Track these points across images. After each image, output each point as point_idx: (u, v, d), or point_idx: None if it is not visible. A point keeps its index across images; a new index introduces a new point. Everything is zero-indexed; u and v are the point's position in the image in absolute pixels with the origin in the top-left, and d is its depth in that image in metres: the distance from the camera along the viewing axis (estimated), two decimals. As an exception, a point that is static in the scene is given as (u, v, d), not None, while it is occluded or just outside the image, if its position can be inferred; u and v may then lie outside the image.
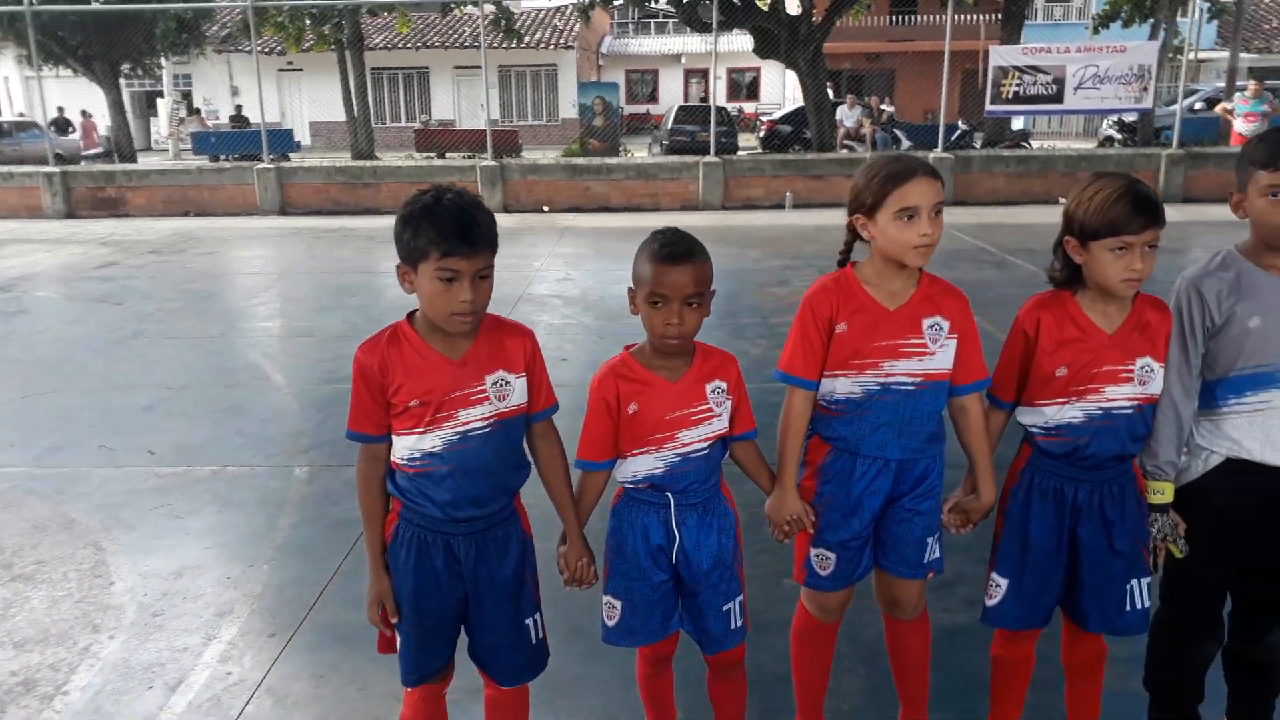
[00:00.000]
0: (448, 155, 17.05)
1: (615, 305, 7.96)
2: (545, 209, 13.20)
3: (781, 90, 34.51)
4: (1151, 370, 2.11)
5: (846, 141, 17.84)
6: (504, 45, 19.29)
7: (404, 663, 2.12)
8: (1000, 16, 21.30)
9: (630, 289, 2.10)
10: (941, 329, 2.12)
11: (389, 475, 2.06)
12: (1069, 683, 2.42)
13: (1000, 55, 13.51)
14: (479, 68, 29.23)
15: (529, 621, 2.16)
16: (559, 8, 30.40)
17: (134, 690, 2.86)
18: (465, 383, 1.97)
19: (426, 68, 29.89)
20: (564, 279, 8.94)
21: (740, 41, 25.03)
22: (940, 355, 2.12)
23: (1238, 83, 19.44)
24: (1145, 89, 13.32)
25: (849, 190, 2.20)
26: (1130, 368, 2.10)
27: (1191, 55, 16.33)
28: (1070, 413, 2.13)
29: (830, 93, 19.13)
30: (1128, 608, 2.22)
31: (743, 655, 2.30)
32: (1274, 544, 2.19)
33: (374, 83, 20.19)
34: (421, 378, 1.96)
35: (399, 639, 2.11)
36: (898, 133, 18.49)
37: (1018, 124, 19.44)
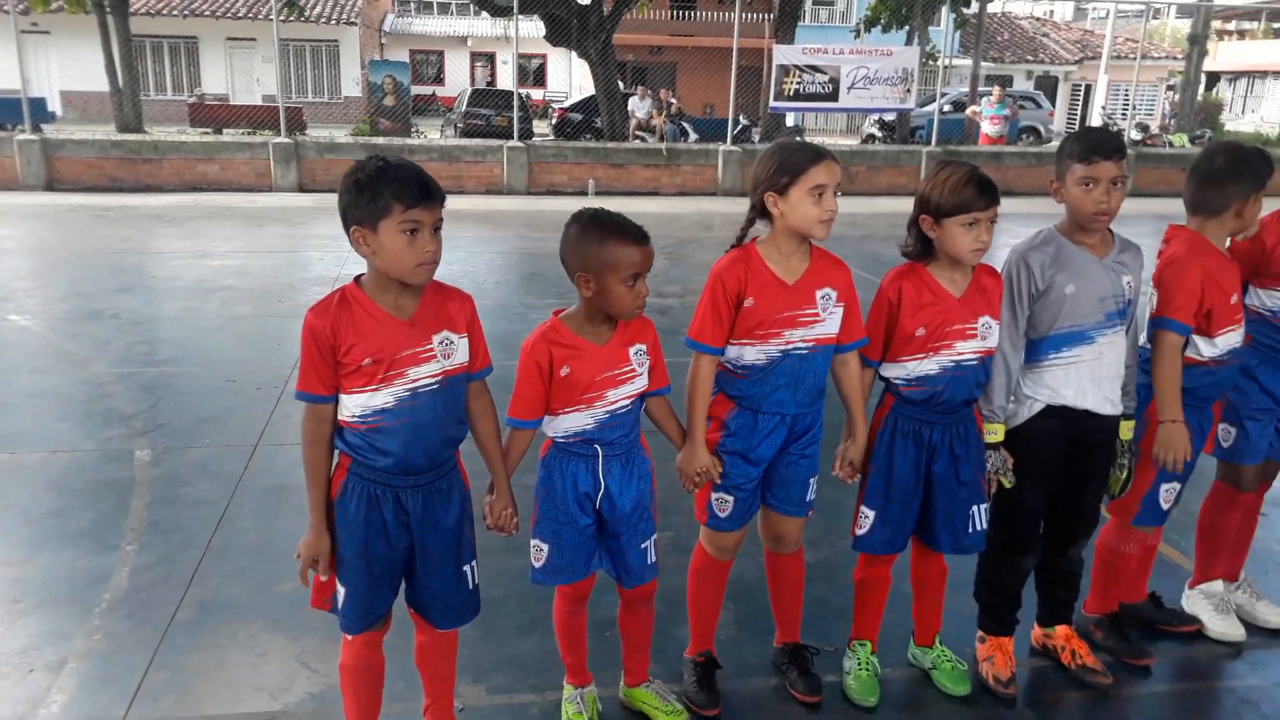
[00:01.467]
0: (225, 131, 16.14)
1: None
2: (343, 189, 12.83)
3: (568, 78, 34.89)
4: (990, 327, 2.54)
5: (639, 132, 18.39)
6: (285, 18, 18.44)
7: (348, 612, 2.22)
8: (774, 16, 22.64)
9: (579, 272, 2.28)
10: (831, 298, 2.46)
11: (337, 434, 2.16)
12: (916, 598, 2.85)
13: (783, 55, 14.42)
14: (253, 40, 27.77)
15: (467, 568, 2.31)
16: (339, -19, 29.22)
17: (11, 676, 2.75)
18: (415, 341, 2.11)
19: (195, 37, 27.92)
20: (379, 260, 8.81)
21: (528, 28, 25.13)
22: (829, 321, 2.46)
23: (980, 88, 21.67)
24: (908, 90, 14.64)
25: (755, 172, 2.48)
26: (974, 326, 2.52)
27: (945, 62, 17.99)
28: (927, 365, 2.53)
29: (619, 83, 19.64)
30: (970, 530, 2.65)
31: (654, 589, 2.56)
32: (1079, 475, 2.70)
33: (137, 51, 18.69)
34: (373, 337, 2.08)
35: (342, 590, 2.21)
36: (685, 125, 19.25)
37: (790, 120, 20.72)
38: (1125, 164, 2.55)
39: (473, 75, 33.76)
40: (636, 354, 2.37)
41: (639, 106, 18.83)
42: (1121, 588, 3.05)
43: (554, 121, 22.44)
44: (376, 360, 2.07)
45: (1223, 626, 3.07)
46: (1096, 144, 2.49)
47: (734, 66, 13.89)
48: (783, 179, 2.40)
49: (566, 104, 24.33)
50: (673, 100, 20.53)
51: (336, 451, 2.17)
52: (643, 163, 14.13)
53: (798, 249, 2.46)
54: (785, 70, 14.10)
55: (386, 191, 2.01)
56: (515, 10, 14.13)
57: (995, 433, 2.65)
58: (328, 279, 7.83)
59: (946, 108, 19.96)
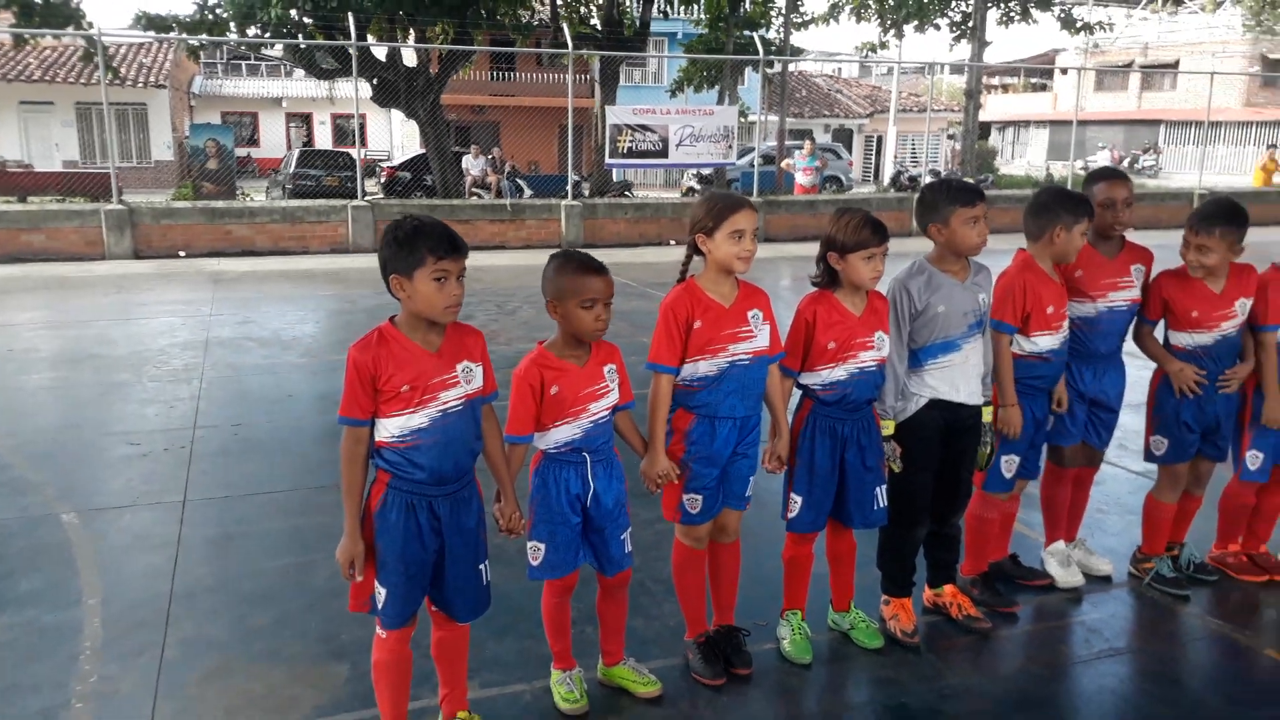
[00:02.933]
0: (30, 200, 15.38)
1: (313, 344, 8.13)
2: (182, 254, 12.57)
3: (389, 137, 34.87)
4: (883, 339, 3.16)
5: (474, 189, 18.80)
6: (88, 80, 17.83)
7: (389, 609, 2.55)
8: (587, 77, 23.72)
9: (550, 301, 2.74)
10: (759, 317, 3.01)
11: (375, 453, 2.51)
12: (833, 571, 3.41)
13: (615, 115, 15.24)
14: (51, 103, 26.36)
15: (482, 566, 2.69)
16: (144, 44, 28.26)
17: (24, 716, 2.88)
18: (443, 370, 2.50)
19: (-17, 101, 26.31)
20: (245, 322, 8.83)
21: (347, 88, 25.11)
22: (760, 337, 3.00)
23: (790, 142, 23.35)
24: (730, 146, 15.77)
25: (690, 216, 3.02)
26: (872, 339, 3.13)
27: (757, 118, 19.39)
28: (838, 373, 3.11)
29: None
30: (875, 507, 3.24)
31: (630, 575, 3.00)
32: (954, 455, 3.34)
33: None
34: (410, 367, 2.46)
35: (384, 591, 2.54)
36: (520, 182, 19.81)
37: (616, 175, 21.63)
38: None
39: (289, 136, 33.21)
40: (609, 372, 2.84)
41: (473, 164, 19.26)
42: (989, 550, 3.73)
43: (383, 180, 22.53)
44: (413, 386, 2.45)
45: (1067, 578, 3.79)
46: (973, 190, 3.19)
47: (570, 126, 14.57)
48: (709, 223, 2.95)
49: (394, 162, 24.44)
50: (500, 157, 21.05)
51: (375, 468, 2.52)
52: (488, 218, 14.54)
53: (727, 279, 3.00)
54: (618, 129, 14.92)
55: (421, 245, 2.42)
56: (355, 72, 14.34)
57: (888, 427, 3.27)
58: (197, 343, 7.84)
59: (758, 160, 21.44)
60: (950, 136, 34.32)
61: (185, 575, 3.85)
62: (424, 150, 20.89)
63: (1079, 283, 3.58)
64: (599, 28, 21.86)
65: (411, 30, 19.35)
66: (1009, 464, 3.54)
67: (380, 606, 2.56)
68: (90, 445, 5.41)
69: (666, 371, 2.96)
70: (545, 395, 2.75)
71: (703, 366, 2.95)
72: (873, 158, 37.49)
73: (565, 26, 15.49)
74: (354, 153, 22.47)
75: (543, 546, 2.84)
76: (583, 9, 22.45)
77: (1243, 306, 3.56)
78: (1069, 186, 15.61)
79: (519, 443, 2.78)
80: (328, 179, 19.52)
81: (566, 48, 14.85)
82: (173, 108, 28.30)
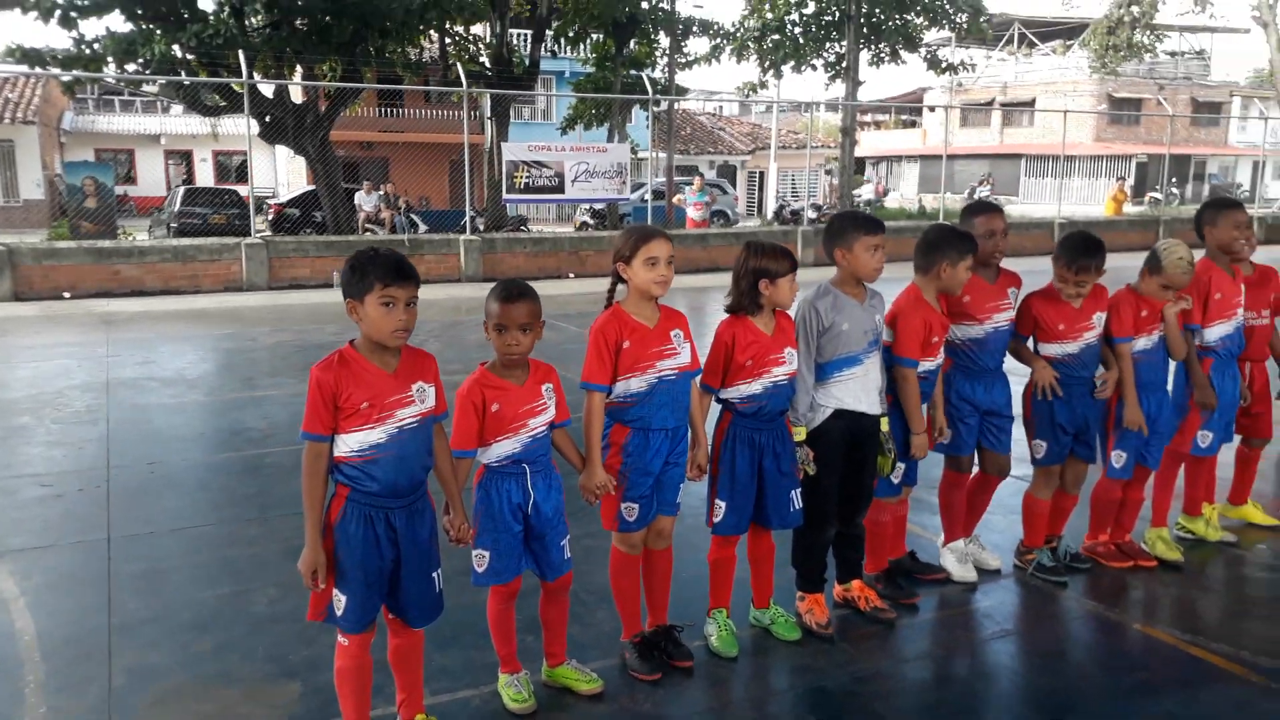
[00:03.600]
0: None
1: (219, 382, 8.07)
2: (67, 295, 12.18)
3: (273, 174, 34.21)
4: (792, 355, 3.48)
5: (368, 225, 18.71)
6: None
7: (349, 615, 2.71)
8: (476, 114, 23.89)
9: (485, 322, 2.98)
10: (680, 336, 3.29)
11: (335, 469, 2.68)
12: (754, 571, 3.70)
13: (511, 151, 15.50)
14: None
15: (435, 574, 2.88)
16: (8, 79, 27.14)
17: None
18: (399, 389, 2.70)
19: None
20: (145, 362, 8.67)
21: (228, 124, 24.65)
22: (683, 354, 3.28)
23: (679, 178, 24.01)
24: (624, 182, 16.20)
25: (614, 248, 3.30)
26: (783, 355, 3.45)
27: (646, 155, 19.94)
28: (754, 387, 3.42)
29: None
30: (791, 510, 3.55)
31: (571, 579, 3.22)
32: (857, 461, 3.68)
33: None
34: (369, 386, 2.66)
35: (344, 598, 2.70)
36: (414, 218, 19.81)
37: (511, 210, 21.83)
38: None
39: (168, 174, 32.26)
40: (547, 390, 3.08)
41: (366, 200, 19.18)
42: (887, 549, 4.08)
43: (270, 217, 22.17)
44: (371, 404, 2.64)
45: (961, 573, 4.17)
46: (875, 222, 3.57)
47: (466, 164, 14.75)
48: (626, 252, 3.23)
49: (281, 199, 24.06)
50: (392, 192, 21.01)
51: (334, 483, 2.70)
52: (385, 254, 14.50)
53: (649, 303, 3.28)
54: (515, 165, 15.17)
55: (371, 272, 2.63)
56: (247, 110, 14.20)
57: (800, 434, 3.59)
58: (98, 385, 7.69)
59: (647, 196, 22.00)
60: (828, 172, 35.73)
61: (120, 609, 3.88)
62: (312, 186, 20.71)
63: (968, 308, 3.97)
64: (488, 66, 22.14)
65: (299, 67, 19.26)
66: (897, 473, 3.90)
67: (341, 614, 2.72)
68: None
69: (599, 390, 3.21)
70: (487, 412, 2.97)
71: (634, 383, 3.21)
72: (756, 192, 38.67)
73: (460, 66, 15.67)
74: (242, 190, 22.11)
75: (487, 554, 3.04)
76: (472, 47, 22.70)
77: (1099, 319, 4.03)
78: (941, 218, 16.47)
79: (464, 457, 2.99)
80: (214, 217, 19.13)
81: (459, 85, 15.04)
82: (42, 144, 27.20)
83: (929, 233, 3.88)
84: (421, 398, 2.75)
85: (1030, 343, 4.13)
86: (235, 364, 8.86)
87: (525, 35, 26.55)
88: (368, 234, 17.94)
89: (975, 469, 4.18)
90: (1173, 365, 4.27)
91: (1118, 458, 4.19)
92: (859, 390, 3.62)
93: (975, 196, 32.77)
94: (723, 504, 3.50)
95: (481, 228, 19.24)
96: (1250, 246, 4.33)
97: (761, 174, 37.58)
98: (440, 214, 20.72)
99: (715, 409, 3.54)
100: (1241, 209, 4.30)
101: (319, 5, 16.67)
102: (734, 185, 35.52)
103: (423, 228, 19.26)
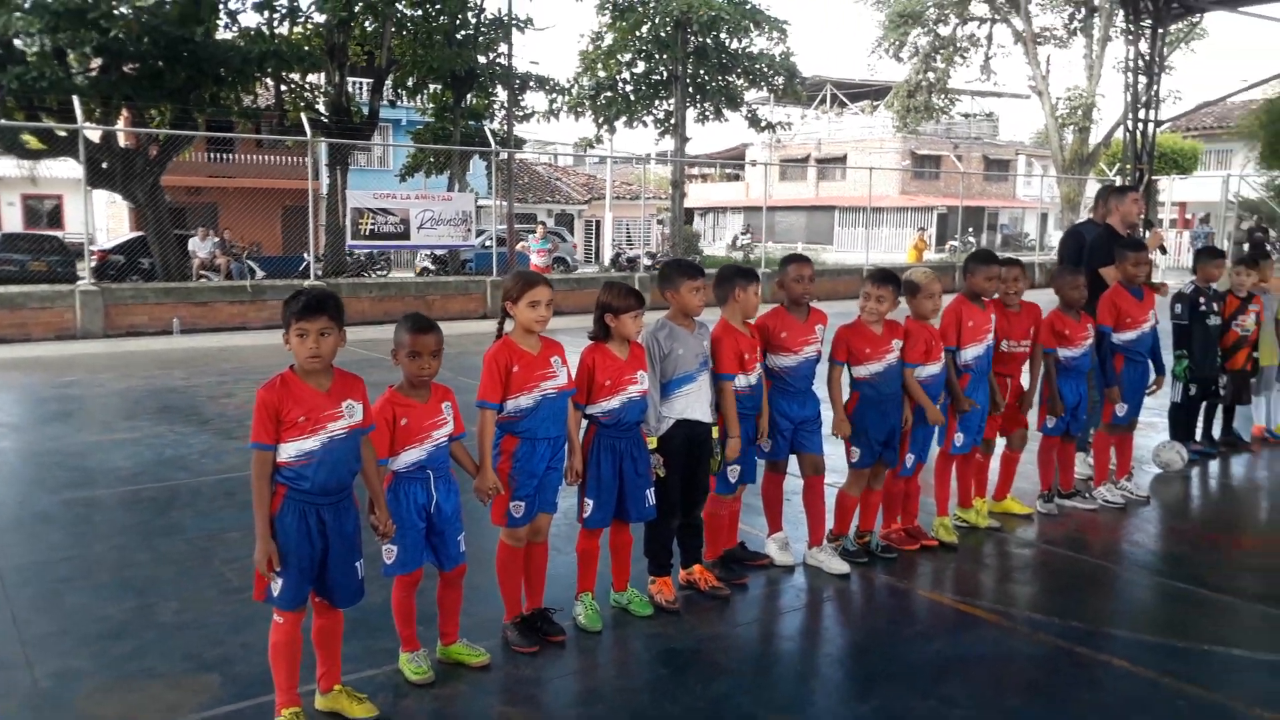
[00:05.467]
0: None
1: (71, 427, 8.11)
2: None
3: (88, 220, 32.67)
4: (643, 375, 4.22)
5: (203, 272, 18.46)
6: None
7: (285, 594, 3.23)
8: (313, 161, 23.93)
9: (393, 350, 3.59)
10: (558, 362, 3.97)
11: (276, 471, 3.21)
12: (614, 560, 4.38)
13: (356, 199, 15.83)
14: None
15: (358, 563, 3.42)
16: None
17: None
18: (331, 405, 3.26)
19: None
20: (-11, 409, 8.58)
21: (48, 168, 23.65)
22: (561, 376, 3.96)
23: (520, 227, 24.72)
24: (469, 229, 16.77)
25: (503, 289, 3.97)
26: (636, 376, 4.19)
27: (487, 203, 20.58)
28: (613, 402, 4.13)
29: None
30: (646, 505, 4.26)
31: (465, 569, 3.82)
32: (694, 462, 4.45)
33: None
34: (305, 403, 3.21)
35: (280, 581, 3.22)
36: (251, 264, 19.65)
37: (362, 255, 21.96)
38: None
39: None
40: (446, 407, 3.69)
41: (201, 246, 18.91)
42: (722, 539, 4.86)
43: (94, 264, 21.37)
44: (307, 418, 3.20)
45: (783, 558, 4.99)
46: (697, 268, 4.38)
47: (310, 211, 14.96)
48: (514, 294, 3.92)
49: (104, 246, 23.21)
50: (228, 239, 20.76)
51: (275, 483, 3.22)
52: (227, 300, 14.54)
53: (531, 336, 3.95)
54: (360, 213, 15.49)
55: (290, 308, 3.23)
56: (83, 155, 13.97)
57: (651, 442, 4.33)
58: (-57, 430, 7.62)
59: (488, 243, 22.63)
60: (660, 221, 37.32)
61: (28, 627, 4.16)
62: (138, 233, 20.24)
63: (785, 342, 4.79)
64: (324, 114, 22.30)
65: (126, 112, 18.91)
66: (732, 473, 4.69)
67: (278, 594, 3.24)
68: None
69: (491, 407, 3.85)
70: (396, 426, 3.56)
71: (523, 400, 3.87)
72: (593, 241, 39.87)
73: (304, 116, 15.90)
74: (63, 235, 21.26)
75: (395, 548, 3.60)
76: (309, 95, 22.80)
77: (896, 344, 4.96)
78: (762, 264, 17.68)
79: (382, 465, 3.56)
80: (34, 263, 18.38)
81: (295, 132, 15.27)
82: None
83: (719, 271, 4.72)
84: (350, 413, 3.32)
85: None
86: (87, 409, 8.87)
87: (363, 84, 26.86)
88: (203, 280, 17.71)
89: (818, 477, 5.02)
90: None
91: (910, 459, 5.13)
92: (694, 403, 4.40)
93: (739, 244, 35.24)
94: (591, 502, 4.18)
95: (322, 273, 19.32)
96: (1014, 289, 5.41)
97: (598, 223, 38.83)
98: (279, 259, 20.61)
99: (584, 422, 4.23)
100: (996, 263, 5.37)
101: (151, 51, 16.56)
102: (572, 233, 36.55)
103: (260, 273, 19.13)
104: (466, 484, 3.81)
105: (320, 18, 20.88)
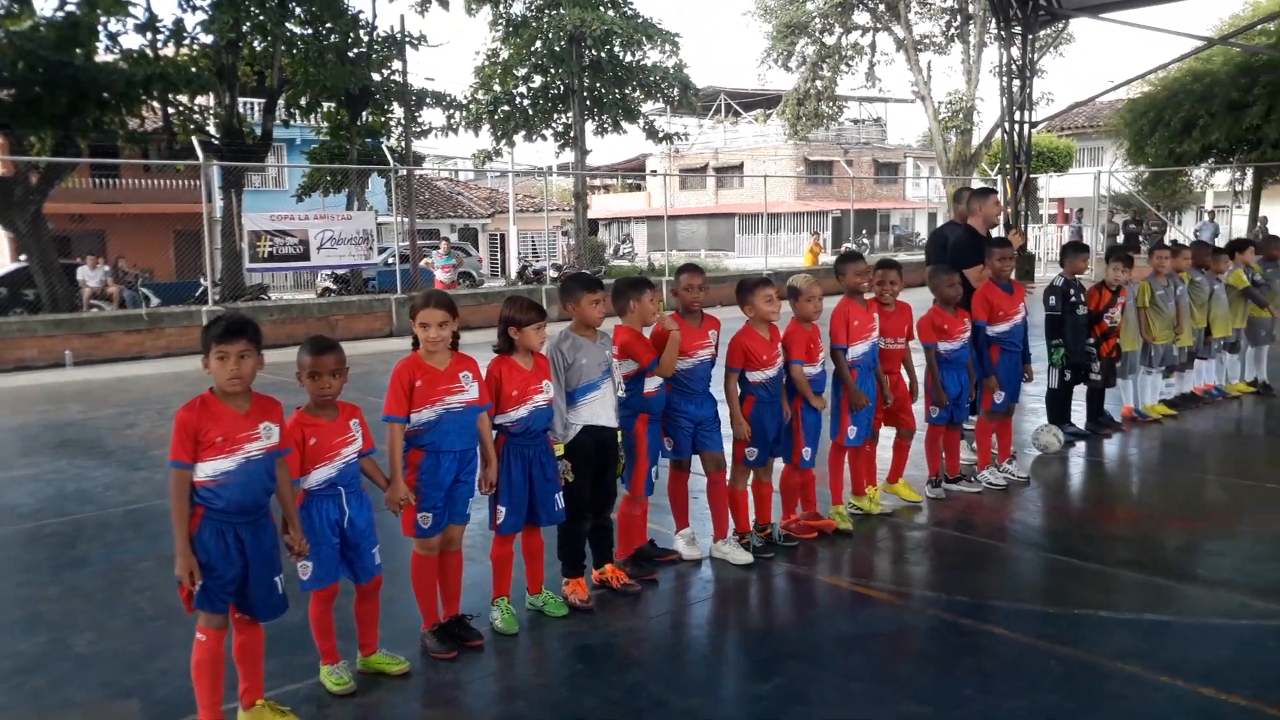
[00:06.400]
0: None
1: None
2: None
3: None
4: (549, 385, 4.39)
5: (95, 301, 17.89)
6: None
7: (204, 606, 3.32)
8: (203, 183, 23.40)
9: (297, 373, 3.69)
10: (469, 376, 4.11)
11: (193, 491, 3.30)
12: (528, 565, 4.53)
13: (252, 221, 15.58)
14: None
15: (277, 579, 3.52)
16: None
17: None
18: (248, 427, 3.37)
19: None
20: None
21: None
22: (470, 391, 4.11)
23: (423, 243, 24.61)
24: (370, 248, 16.67)
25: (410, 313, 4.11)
26: (541, 386, 4.36)
27: (388, 220, 20.45)
28: (522, 411, 4.29)
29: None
30: (556, 509, 4.42)
31: (381, 581, 3.93)
32: (602, 466, 4.65)
33: None
34: (223, 424, 3.31)
35: (202, 595, 3.30)
36: (146, 291, 19.12)
37: (255, 278, 21.56)
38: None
39: None
40: (354, 425, 3.81)
41: (91, 275, 18.33)
42: (634, 538, 5.07)
43: (-31, 297, 20.50)
44: (225, 438, 3.30)
45: (691, 552, 5.22)
46: (596, 281, 4.60)
47: (205, 235, 14.69)
48: (414, 315, 4.07)
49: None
50: (126, 268, 20.16)
51: (193, 503, 3.30)
52: (121, 329, 14.15)
53: (440, 351, 4.09)
54: (257, 235, 15.27)
55: (210, 332, 3.33)
56: None
57: (559, 449, 4.52)
58: None
59: (390, 260, 22.46)
60: (565, 233, 37.50)
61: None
62: (21, 262, 19.49)
63: (680, 346, 5.06)
64: (215, 136, 21.85)
65: (2, 139, 18.22)
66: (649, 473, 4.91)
67: (202, 603, 3.33)
68: None
69: (397, 421, 3.99)
70: (306, 445, 3.67)
71: (425, 414, 4.01)
72: (499, 254, 39.79)
73: (195, 140, 15.59)
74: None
75: (310, 564, 3.71)
76: (198, 117, 22.29)
77: (781, 349, 5.26)
78: (667, 273, 17.99)
79: (297, 483, 3.67)
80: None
81: (184, 155, 14.97)
82: None
83: (615, 284, 4.96)
84: (268, 435, 3.42)
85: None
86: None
87: (255, 104, 26.37)
88: (94, 310, 17.16)
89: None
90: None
91: (806, 452, 5.42)
92: (599, 409, 4.60)
93: (621, 253, 35.83)
94: (504, 509, 4.34)
95: (218, 297, 18.92)
96: (890, 290, 5.77)
97: (502, 236, 38.79)
98: (173, 285, 20.10)
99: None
100: (862, 261, 5.73)
101: (28, 76, 16.01)
102: (477, 248, 36.43)
103: (155, 301, 18.63)
104: (380, 498, 3.94)
105: (207, 39, 20.45)
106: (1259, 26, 23.04)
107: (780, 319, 5.27)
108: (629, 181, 51.94)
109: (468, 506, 4.22)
